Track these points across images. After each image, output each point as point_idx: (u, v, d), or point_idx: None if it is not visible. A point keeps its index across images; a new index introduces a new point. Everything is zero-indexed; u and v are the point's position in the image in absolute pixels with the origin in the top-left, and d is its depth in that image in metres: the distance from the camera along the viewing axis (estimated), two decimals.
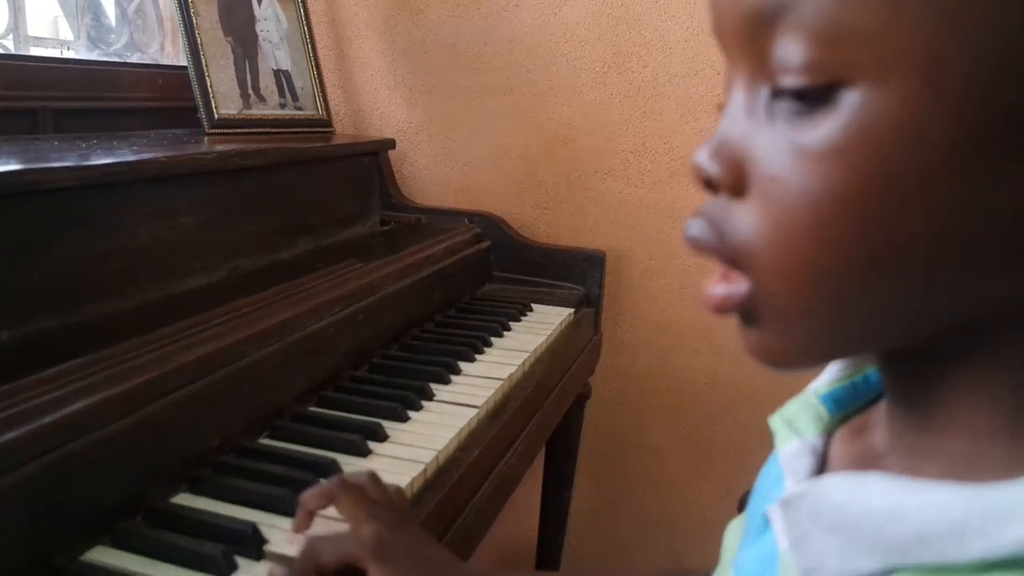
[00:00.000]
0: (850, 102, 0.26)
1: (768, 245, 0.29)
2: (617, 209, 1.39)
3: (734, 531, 0.44)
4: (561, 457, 1.41)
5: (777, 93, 0.28)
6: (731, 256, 0.30)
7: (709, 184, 0.31)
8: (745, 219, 0.29)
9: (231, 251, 1.00)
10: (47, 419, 0.56)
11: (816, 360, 0.34)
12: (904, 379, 0.33)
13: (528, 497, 1.50)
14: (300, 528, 0.59)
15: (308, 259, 1.10)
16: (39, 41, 1.35)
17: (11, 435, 0.53)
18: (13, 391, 0.58)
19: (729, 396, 1.41)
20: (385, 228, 1.35)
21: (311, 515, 0.58)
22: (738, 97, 0.30)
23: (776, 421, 0.40)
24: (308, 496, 0.58)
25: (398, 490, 0.64)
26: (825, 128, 0.26)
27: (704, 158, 0.30)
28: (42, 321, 0.75)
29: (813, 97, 0.26)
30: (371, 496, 0.58)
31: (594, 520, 1.60)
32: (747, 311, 0.31)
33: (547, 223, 1.43)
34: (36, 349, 0.70)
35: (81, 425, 0.58)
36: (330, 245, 1.20)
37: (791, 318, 0.30)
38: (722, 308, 0.31)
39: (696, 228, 0.31)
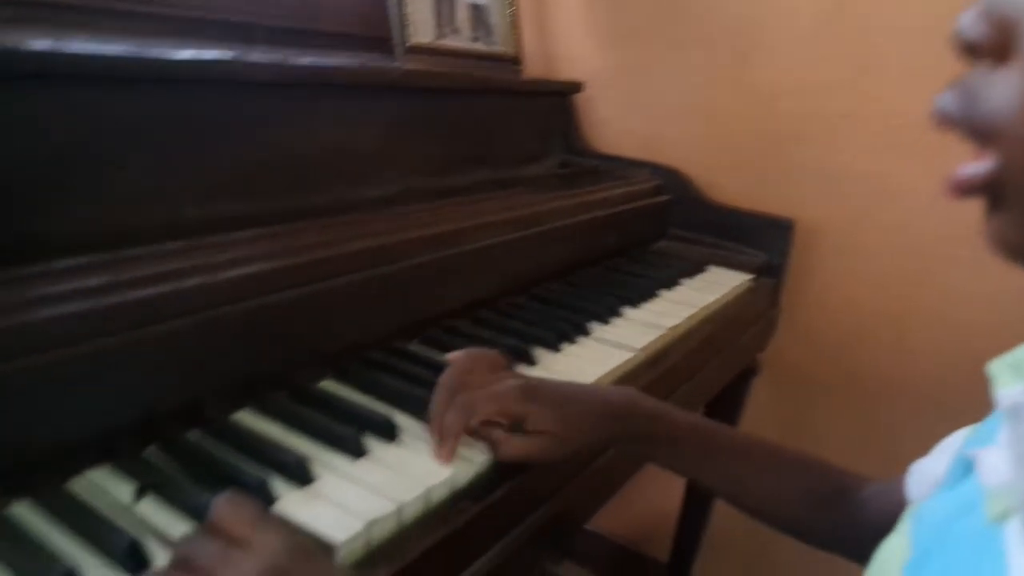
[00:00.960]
0: None
1: None
2: (814, 178, 1.27)
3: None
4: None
5: None
6: (982, 130, 0.28)
7: (971, 50, 0.29)
8: (1004, 89, 0.28)
9: (408, 169, 1.01)
10: (221, 276, 0.58)
11: None
12: None
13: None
14: (448, 457, 0.60)
15: (482, 189, 1.09)
16: None
17: (189, 283, 0.56)
18: (189, 247, 0.61)
19: (918, 400, 1.25)
20: (563, 171, 1.31)
21: (456, 438, 0.59)
22: None
23: (998, 366, 0.35)
24: (443, 423, 0.58)
25: (496, 353, 0.66)
26: None
27: (968, 21, 0.29)
28: (226, 204, 0.79)
29: None
30: (487, 363, 0.63)
31: None
32: (994, 192, 0.29)
33: (733, 186, 1.33)
34: (217, 225, 0.74)
35: (250, 288, 0.60)
36: (505, 179, 1.18)
37: None
38: (966, 189, 0.29)
39: (946, 99, 0.30)
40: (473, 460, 0.58)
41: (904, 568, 0.34)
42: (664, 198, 1.26)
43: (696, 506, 1.45)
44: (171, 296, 0.54)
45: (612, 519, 1.71)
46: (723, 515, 1.46)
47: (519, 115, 1.24)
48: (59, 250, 0.55)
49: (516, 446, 0.58)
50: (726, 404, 1.29)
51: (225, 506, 0.40)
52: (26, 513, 0.47)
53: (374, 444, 0.58)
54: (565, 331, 0.82)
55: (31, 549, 0.42)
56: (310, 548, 0.39)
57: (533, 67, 1.45)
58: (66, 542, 0.45)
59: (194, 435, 0.56)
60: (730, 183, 1.33)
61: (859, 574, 0.47)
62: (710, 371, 1.00)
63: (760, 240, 1.23)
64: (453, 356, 0.63)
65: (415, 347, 0.77)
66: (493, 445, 0.58)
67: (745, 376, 1.27)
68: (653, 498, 1.63)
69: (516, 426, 0.58)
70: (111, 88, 0.66)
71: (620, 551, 1.70)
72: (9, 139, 0.60)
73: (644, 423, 0.62)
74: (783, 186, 1.29)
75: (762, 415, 1.40)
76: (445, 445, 0.56)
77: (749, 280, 1.16)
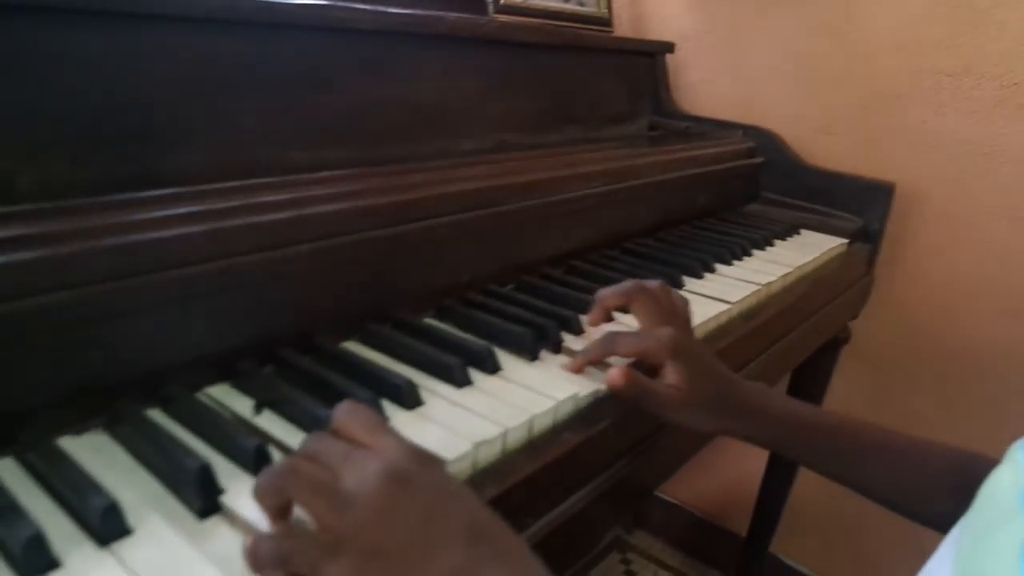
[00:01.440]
0: None
1: None
2: (918, 141, 1.21)
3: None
4: (804, 399, 1.29)
5: None
6: None
7: None
8: None
9: (501, 124, 1.02)
10: (334, 207, 0.60)
11: None
12: None
13: None
14: (596, 322, 0.66)
15: (572, 147, 1.09)
16: None
17: (307, 211, 0.58)
18: (302, 182, 0.63)
19: (1021, 378, 1.20)
20: (652, 133, 1.30)
21: (607, 311, 0.65)
22: None
23: None
24: (607, 293, 0.63)
25: (685, 302, 0.66)
26: None
27: None
28: (330, 150, 0.81)
29: None
30: (663, 304, 0.62)
31: (826, 485, 1.46)
32: None
33: (830, 149, 1.29)
34: (323, 169, 0.76)
35: (361, 221, 0.62)
36: (595, 139, 1.18)
37: None
38: None
39: None
40: (576, 396, 0.58)
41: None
42: (757, 160, 1.23)
43: (778, 480, 1.43)
44: (291, 223, 0.56)
45: (690, 490, 1.70)
46: (805, 489, 1.43)
47: (610, 75, 1.23)
48: (184, 181, 0.58)
49: (639, 384, 0.57)
50: (813, 372, 1.27)
51: (347, 412, 0.41)
52: (160, 419, 0.50)
53: (476, 375, 0.59)
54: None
55: (167, 448, 0.45)
56: (427, 455, 0.40)
57: (623, 29, 1.43)
58: (198, 445, 0.47)
59: (306, 361, 0.58)
60: (826, 146, 1.29)
61: (935, 547, 0.46)
62: (802, 334, 0.98)
63: (857, 205, 1.19)
64: (626, 288, 0.63)
65: (510, 292, 0.77)
66: (614, 378, 0.58)
67: (834, 345, 1.24)
68: (733, 470, 1.61)
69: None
70: (225, 31, 0.69)
71: (696, 523, 1.69)
72: (138, 80, 0.63)
73: (776, 428, 0.61)
74: (882, 149, 1.24)
75: (847, 388, 1.36)
76: (578, 360, 0.60)
77: (844, 244, 1.13)
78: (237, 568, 0.37)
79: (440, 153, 0.91)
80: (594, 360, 0.61)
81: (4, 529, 0.37)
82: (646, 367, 0.59)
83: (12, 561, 0.36)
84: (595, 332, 0.68)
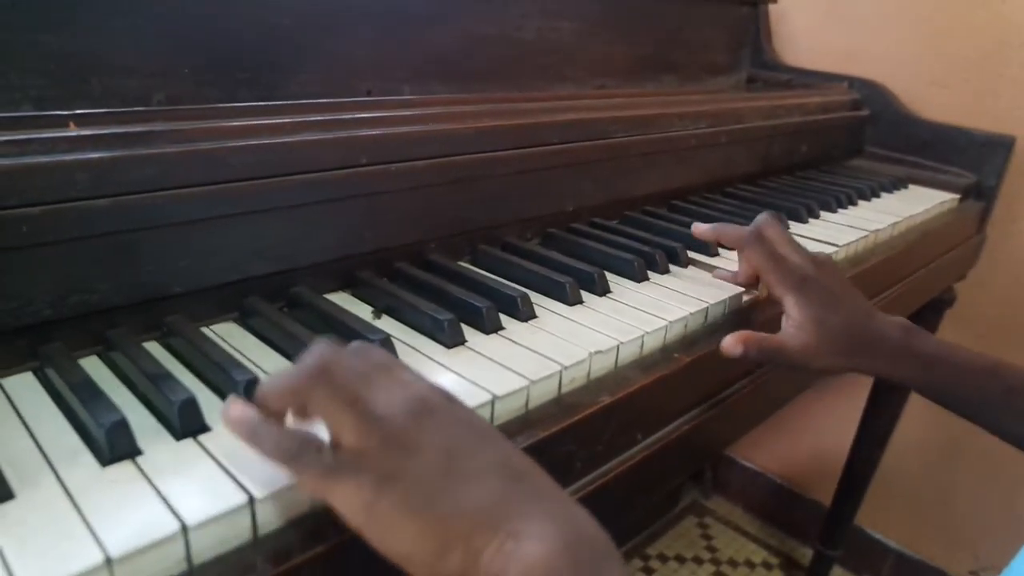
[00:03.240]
0: None
1: None
2: None
3: None
4: None
5: None
6: None
7: None
8: None
9: (601, 69, 1.01)
10: (450, 126, 0.61)
11: None
12: None
13: (848, 411, 1.37)
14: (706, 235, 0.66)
15: None
16: None
17: (428, 128, 0.59)
18: (419, 103, 0.64)
19: None
20: (752, 85, 1.26)
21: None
22: None
23: None
24: (724, 226, 0.63)
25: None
26: None
27: None
28: (437, 85, 0.82)
29: None
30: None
31: (918, 456, 1.42)
32: None
33: (943, 102, 1.22)
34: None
35: (469, 143, 0.62)
36: (693, 90, 1.16)
37: None
38: None
39: None
40: (687, 318, 0.58)
41: None
42: (862, 112, 1.19)
43: (868, 448, 1.38)
44: (415, 137, 0.57)
45: (772, 456, 1.67)
46: (894, 459, 1.39)
47: (709, 23, 1.20)
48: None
49: (758, 343, 0.55)
50: None
51: (360, 349, 0.36)
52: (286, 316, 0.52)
53: (586, 296, 0.60)
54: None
55: (297, 339, 0.47)
56: (452, 395, 0.36)
57: None
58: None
59: (422, 275, 0.59)
60: (938, 98, 1.23)
61: None
62: (907, 288, 0.95)
63: (971, 160, 1.14)
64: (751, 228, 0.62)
65: (614, 224, 0.77)
66: (728, 346, 0.56)
67: (938, 307, 1.19)
68: (818, 437, 1.57)
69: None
70: None
71: (777, 489, 1.66)
72: (262, 8, 0.65)
73: (919, 365, 0.58)
74: (1002, 101, 1.17)
75: None
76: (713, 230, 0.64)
77: (955, 200, 1.08)
78: None
79: (541, 96, 0.91)
80: (730, 238, 0.63)
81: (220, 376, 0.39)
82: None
83: (169, 423, 0.38)
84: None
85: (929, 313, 1.18)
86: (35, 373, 0.43)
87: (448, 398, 0.35)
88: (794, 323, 0.56)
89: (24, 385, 0.42)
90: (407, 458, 0.32)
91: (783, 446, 1.63)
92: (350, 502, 0.31)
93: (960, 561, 1.42)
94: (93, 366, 0.44)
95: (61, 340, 0.44)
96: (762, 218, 0.61)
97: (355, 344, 0.37)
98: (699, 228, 0.66)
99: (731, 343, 0.55)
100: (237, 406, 0.34)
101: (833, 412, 1.50)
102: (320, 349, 0.35)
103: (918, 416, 1.34)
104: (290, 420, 0.36)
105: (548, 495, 0.33)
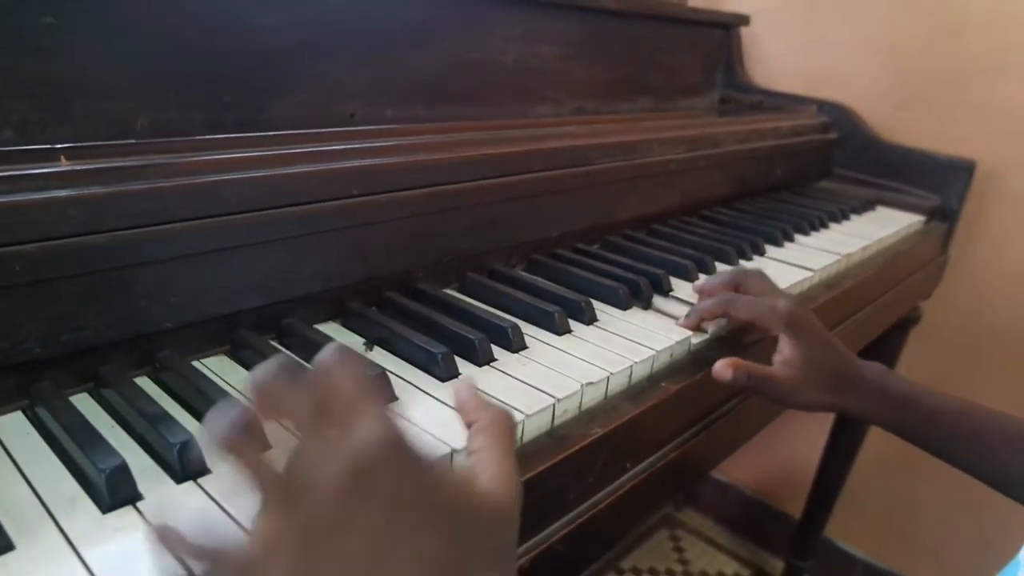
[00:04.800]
0: None
1: None
2: (1002, 118, 1.18)
3: None
4: None
5: None
6: None
7: None
8: None
9: (579, 91, 1.02)
10: (438, 156, 0.61)
11: None
12: None
13: (817, 425, 1.40)
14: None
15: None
16: None
17: (415, 159, 0.59)
18: (397, 131, 0.64)
19: None
20: (725, 106, 1.29)
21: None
22: None
23: None
24: (704, 304, 0.62)
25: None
26: None
27: None
28: (420, 109, 0.82)
29: None
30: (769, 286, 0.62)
31: (885, 468, 1.45)
32: None
33: (907, 126, 1.26)
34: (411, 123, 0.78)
35: (455, 172, 0.63)
36: (668, 109, 1.18)
37: None
38: None
39: None
40: (673, 347, 0.59)
41: None
42: (831, 135, 1.22)
43: (837, 463, 1.41)
44: (401, 168, 0.58)
45: (743, 470, 1.69)
46: (862, 473, 1.42)
47: (684, 46, 1.22)
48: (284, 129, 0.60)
49: (748, 370, 0.57)
50: (881, 353, 1.25)
51: (334, 358, 0.30)
52: (278, 348, 0.52)
53: (574, 325, 0.60)
54: (742, 248, 0.82)
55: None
56: (408, 446, 0.29)
57: (696, 0, 1.42)
58: None
59: (412, 304, 0.59)
60: (903, 122, 1.26)
61: (996, 536, 0.44)
62: (876, 309, 0.97)
63: (935, 182, 1.17)
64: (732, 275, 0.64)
65: (596, 250, 0.78)
66: (719, 371, 0.58)
67: (904, 325, 1.22)
68: (789, 452, 1.60)
69: None
70: None
71: (748, 502, 1.69)
72: (246, 32, 0.65)
73: (892, 406, 0.60)
74: (963, 126, 1.21)
75: (912, 372, 1.34)
76: (692, 317, 0.61)
77: (921, 222, 1.11)
78: None
79: (518, 117, 0.92)
80: (708, 318, 0.62)
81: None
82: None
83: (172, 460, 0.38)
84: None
85: (896, 332, 1.21)
86: (25, 412, 0.42)
87: (403, 455, 0.28)
88: (785, 359, 0.58)
89: (14, 426, 0.41)
90: (325, 548, 0.26)
91: (754, 460, 1.65)
92: None
93: (925, 570, 1.45)
94: (84, 404, 0.43)
95: (51, 378, 0.43)
96: (740, 276, 0.63)
97: (326, 358, 0.30)
98: (690, 321, 0.63)
99: (721, 367, 0.57)
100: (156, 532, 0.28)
101: (803, 427, 1.53)
102: (263, 383, 0.29)
103: (884, 432, 1.38)
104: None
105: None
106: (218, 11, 0.63)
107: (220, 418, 0.28)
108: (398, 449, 0.28)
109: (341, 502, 0.27)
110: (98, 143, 0.50)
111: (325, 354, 0.30)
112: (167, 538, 0.27)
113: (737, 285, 0.62)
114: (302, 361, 0.49)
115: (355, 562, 0.26)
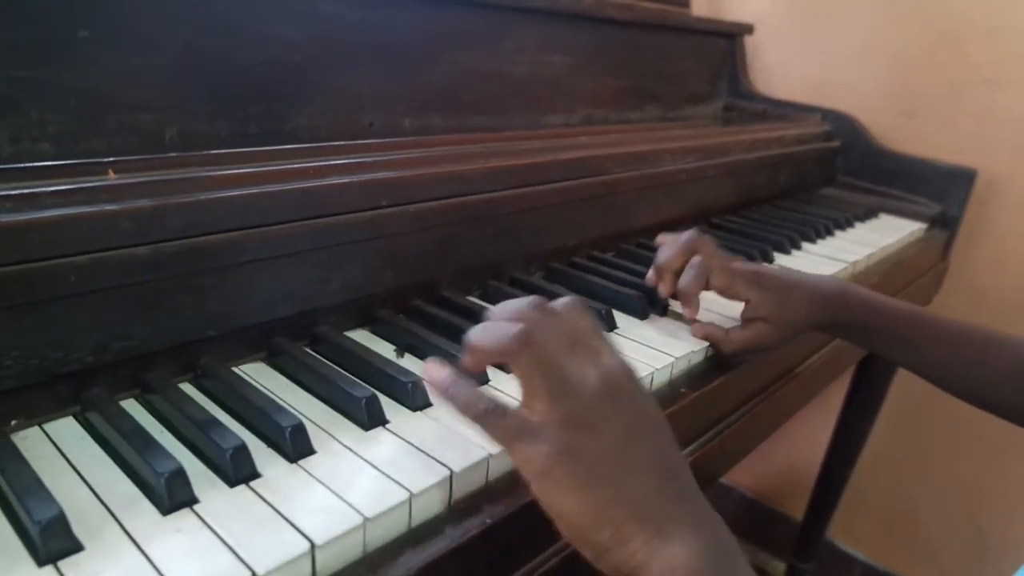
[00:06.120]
0: None
1: None
2: (1003, 127, 1.21)
3: None
4: (870, 385, 1.30)
5: None
6: None
7: None
8: None
9: (589, 100, 1.04)
10: (461, 167, 0.63)
11: None
12: None
13: (819, 429, 1.42)
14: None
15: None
16: None
17: (416, 172, 0.60)
18: (420, 142, 0.66)
19: None
20: (729, 114, 1.31)
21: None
22: None
23: None
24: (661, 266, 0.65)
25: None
26: None
27: None
28: (437, 119, 0.84)
29: None
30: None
31: (887, 471, 1.47)
32: None
33: (909, 134, 1.28)
34: (427, 134, 0.79)
35: (478, 183, 0.64)
36: (674, 118, 1.19)
37: None
38: None
39: None
40: (690, 357, 0.61)
41: None
42: (834, 143, 1.24)
43: (839, 464, 1.43)
44: (428, 179, 0.59)
45: (745, 472, 1.71)
46: (864, 475, 1.44)
47: (690, 55, 1.24)
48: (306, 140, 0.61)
49: (739, 338, 0.62)
50: (880, 361, 1.27)
51: (574, 306, 0.40)
52: (313, 355, 0.53)
53: None
54: (751, 256, 0.84)
55: (330, 379, 0.48)
56: (637, 376, 0.40)
57: (699, 10, 1.44)
58: (350, 380, 0.50)
59: (438, 311, 0.61)
60: (905, 130, 1.28)
61: (995, 538, 0.46)
62: None
63: (936, 190, 1.20)
64: (667, 237, 0.67)
65: (612, 258, 0.80)
66: (716, 343, 0.62)
67: None
68: (791, 454, 1.62)
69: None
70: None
71: (750, 504, 1.71)
72: (269, 44, 0.67)
73: (857, 311, 0.65)
74: (963, 135, 1.23)
75: (912, 377, 1.36)
76: (690, 305, 0.62)
77: (923, 229, 1.13)
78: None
79: (530, 127, 0.94)
80: (698, 295, 0.63)
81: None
82: None
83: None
84: None
85: None
86: (76, 418, 0.44)
87: (633, 381, 0.39)
88: (762, 314, 0.62)
89: (68, 431, 0.43)
90: (584, 437, 0.35)
91: (755, 461, 1.67)
92: (527, 464, 0.36)
93: (925, 572, 1.47)
94: (133, 409, 0.45)
95: (101, 385, 0.45)
96: (693, 241, 0.64)
97: (565, 303, 0.40)
98: (650, 278, 0.67)
99: (728, 344, 0.62)
100: (435, 368, 0.39)
101: (805, 429, 1.55)
102: (528, 312, 0.38)
103: (886, 433, 1.40)
104: None
105: (693, 498, 0.37)
106: (242, 25, 0.65)
107: (504, 329, 0.37)
108: (631, 375, 0.39)
109: (599, 402, 0.36)
110: (140, 156, 0.51)
111: (567, 301, 0.41)
112: (446, 383, 0.38)
113: (692, 252, 0.64)
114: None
115: (608, 447, 0.35)
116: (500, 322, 0.38)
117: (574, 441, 0.35)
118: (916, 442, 1.43)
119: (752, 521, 1.71)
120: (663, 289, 0.65)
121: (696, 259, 0.62)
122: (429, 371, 0.39)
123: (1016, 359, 0.62)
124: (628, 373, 0.39)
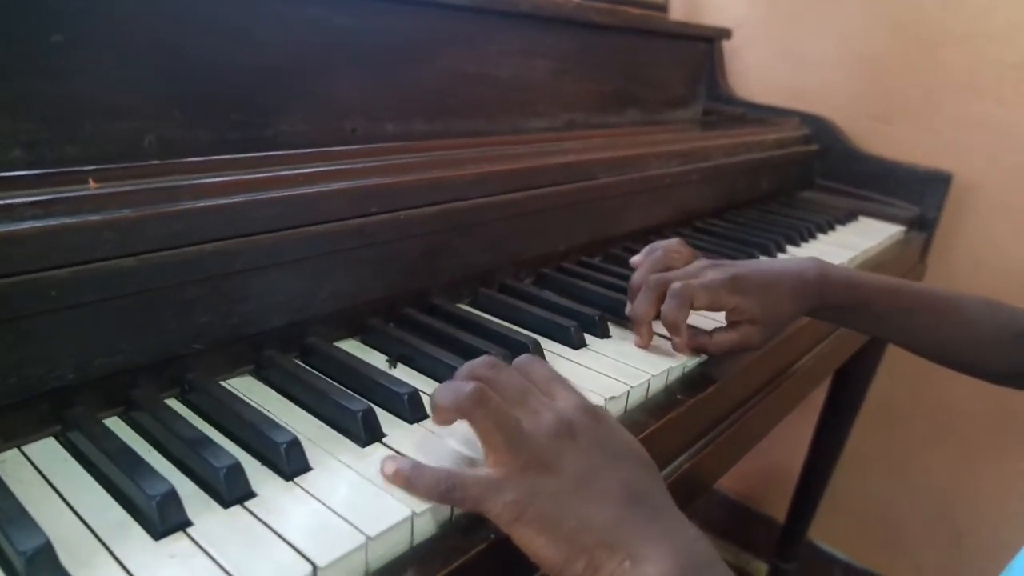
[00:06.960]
0: None
1: None
2: (977, 132, 1.22)
3: None
4: (849, 390, 1.31)
5: None
6: None
7: None
8: None
9: (571, 104, 1.03)
10: (450, 173, 0.62)
11: None
12: None
13: (799, 432, 1.43)
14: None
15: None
16: None
17: (405, 178, 0.59)
18: (405, 147, 0.65)
19: None
20: (708, 118, 1.31)
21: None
22: None
23: None
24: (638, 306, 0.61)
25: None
26: None
27: None
28: (420, 124, 0.83)
29: None
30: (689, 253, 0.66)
31: (865, 473, 1.48)
32: None
33: (885, 138, 1.30)
34: (410, 139, 0.78)
35: (468, 190, 0.63)
36: (654, 122, 1.19)
37: None
38: None
39: None
40: (685, 362, 0.60)
41: None
42: (813, 147, 1.25)
43: (819, 466, 1.44)
44: (418, 186, 0.58)
45: (727, 475, 1.71)
46: (842, 476, 1.45)
47: (669, 59, 1.24)
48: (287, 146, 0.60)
49: (726, 340, 0.61)
50: (858, 366, 1.28)
51: (528, 359, 0.45)
52: (303, 367, 0.52)
53: (589, 339, 0.61)
54: (736, 259, 0.84)
55: (324, 393, 0.47)
56: (597, 411, 0.42)
57: (676, 14, 1.44)
58: (344, 393, 0.49)
59: (430, 320, 0.60)
60: (881, 134, 1.30)
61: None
62: None
63: (913, 194, 1.21)
64: (638, 258, 0.65)
65: (600, 263, 0.79)
66: (705, 350, 0.61)
67: None
68: (772, 456, 1.63)
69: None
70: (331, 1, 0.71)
71: (731, 506, 1.71)
72: (250, 49, 0.65)
73: (840, 291, 0.65)
74: (939, 139, 1.25)
75: (891, 382, 1.37)
76: (678, 335, 0.59)
77: (902, 232, 1.15)
78: None
79: (513, 131, 0.93)
80: (684, 324, 0.60)
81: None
82: None
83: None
84: None
85: (875, 342, 1.23)
86: (57, 438, 0.42)
87: (591, 416, 0.41)
88: (748, 317, 0.60)
89: (49, 452, 0.41)
90: (543, 478, 0.37)
91: (738, 464, 1.68)
92: (499, 518, 0.37)
93: (902, 570, 1.49)
94: (117, 428, 0.43)
95: (83, 403, 0.43)
96: (662, 281, 0.60)
97: (521, 359, 0.45)
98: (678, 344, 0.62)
99: (717, 347, 0.61)
100: (389, 465, 0.39)
101: (786, 433, 1.56)
102: (479, 371, 0.41)
103: (864, 437, 1.41)
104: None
105: (665, 516, 0.38)
106: (222, 30, 0.63)
107: (460, 388, 0.38)
108: (588, 409, 0.41)
109: (555, 443, 0.38)
110: (119, 165, 0.49)
111: (523, 357, 0.45)
112: (406, 474, 0.38)
113: (666, 266, 0.63)
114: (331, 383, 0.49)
115: (567, 482, 0.37)
116: (458, 382, 0.40)
117: (535, 484, 0.37)
118: (893, 444, 1.44)
119: (735, 522, 1.72)
120: (641, 342, 0.61)
121: (676, 287, 0.58)
122: (386, 470, 0.40)
123: (997, 324, 0.65)
124: (584, 409, 0.41)
